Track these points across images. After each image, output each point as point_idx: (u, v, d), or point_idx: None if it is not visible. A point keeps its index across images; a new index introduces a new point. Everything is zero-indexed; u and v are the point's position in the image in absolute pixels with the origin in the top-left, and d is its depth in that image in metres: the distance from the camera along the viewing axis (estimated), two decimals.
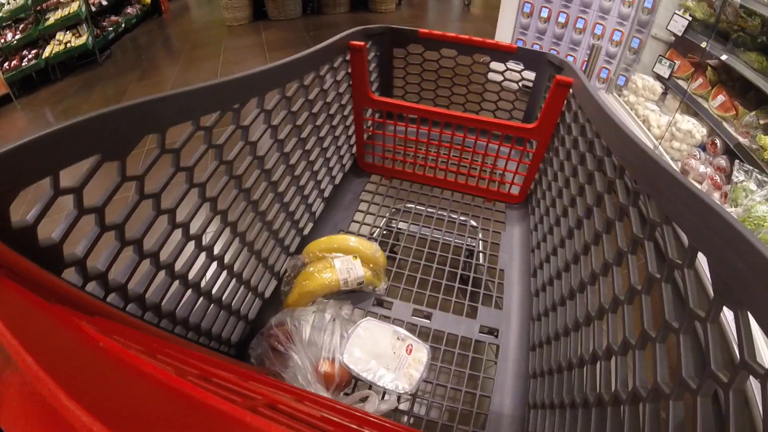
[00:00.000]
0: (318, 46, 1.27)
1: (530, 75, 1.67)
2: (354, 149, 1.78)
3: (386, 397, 1.06)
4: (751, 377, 0.48)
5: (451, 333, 1.23)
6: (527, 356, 1.21)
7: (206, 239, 0.99)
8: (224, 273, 1.08)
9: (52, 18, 4.92)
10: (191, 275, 0.97)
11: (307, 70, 1.26)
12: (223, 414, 0.25)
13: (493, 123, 1.48)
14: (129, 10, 6.41)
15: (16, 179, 0.54)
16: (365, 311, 1.27)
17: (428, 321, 1.26)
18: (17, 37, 4.73)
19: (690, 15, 2.87)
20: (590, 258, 0.96)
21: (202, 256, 1.00)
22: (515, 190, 1.66)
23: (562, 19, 3.62)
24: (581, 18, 3.52)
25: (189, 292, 0.97)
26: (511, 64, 1.67)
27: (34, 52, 4.77)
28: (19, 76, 4.59)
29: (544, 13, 3.68)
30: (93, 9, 5.37)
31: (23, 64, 4.63)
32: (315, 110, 1.34)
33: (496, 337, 1.25)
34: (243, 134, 1.04)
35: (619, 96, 3.47)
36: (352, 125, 1.69)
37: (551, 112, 1.37)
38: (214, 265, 1.04)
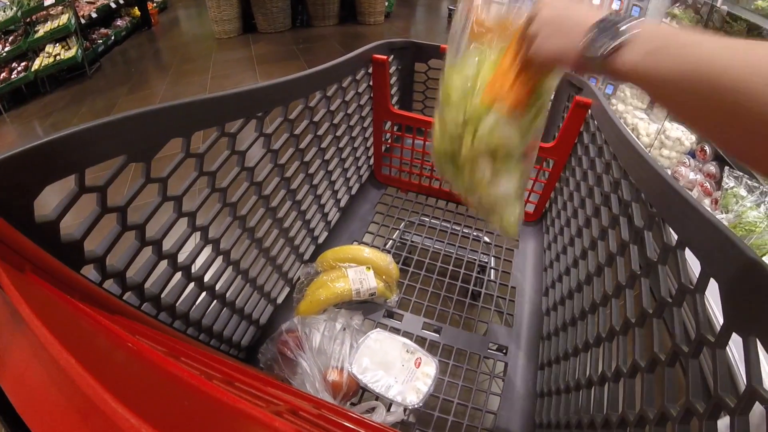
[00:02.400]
0: (342, 59, 1.29)
1: None
2: (371, 161, 1.80)
3: (393, 408, 1.06)
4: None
5: (460, 348, 1.23)
6: (535, 375, 1.21)
7: (224, 243, 1.01)
8: (239, 277, 1.09)
9: (42, 30, 4.87)
10: (207, 277, 0.98)
11: (331, 82, 1.28)
12: (256, 420, 0.26)
13: None
14: (119, 22, 6.41)
15: (43, 174, 0.56)
16: (375, 322, 1.28)
17: (438, 335, 1.26)
18: (6, 49, 4.70)
19: (677, 23, 2.87)
20: (603, 280, 0.96)
21: (219, 260, 1.01)
22: (530, 208, 1.66)
23: None
24: None
25: (204, 294, 0.99)
26: None
27: (23, 64, 4.73)
28: (8, 88, 4.55)
29: None
30: (82, 21, 5.34)
31: (12, 76, 4.60)
32: (336, 121, 1.36)
33: (505, 354, 1.25)
34: (265, 142, 1.06)
35: None
36: (371, 137, 1.70)
37: (569, 132, 1.38)
38: (230, 268, 1.05)
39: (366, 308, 1.30)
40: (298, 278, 1.33)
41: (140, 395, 0.25)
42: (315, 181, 1.33)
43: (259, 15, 6.30)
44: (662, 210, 0.77)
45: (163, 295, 0.86)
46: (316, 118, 1.25)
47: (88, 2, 5.81)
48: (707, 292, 0.64)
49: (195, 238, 0.93)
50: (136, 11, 6.88)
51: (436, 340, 1.25)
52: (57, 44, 5.02)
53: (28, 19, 4.91)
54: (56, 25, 4.92)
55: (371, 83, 1.53)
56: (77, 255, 0.65)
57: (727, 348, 0.57)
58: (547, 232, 1.55)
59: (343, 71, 1.33)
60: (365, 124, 1.61)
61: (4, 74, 4.60)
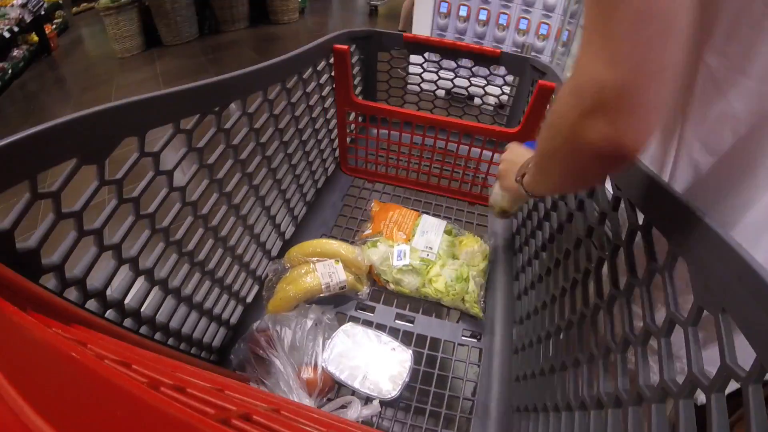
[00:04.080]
0: (301, 49, 1.26)
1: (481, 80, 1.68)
2: (337, 153, 1.78)
3: (369, 402, 1.06)
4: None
5: (434, 337, 1.23)
6: (510, 359, 1.21)
7: (187, 244, 0.98)
8: (205, 278, 1.06)
9: None
10: (172, 281, 0.95)
11: (290, 73, 1.26)
12: (192, 428, 0.25)
13: (476, 127, 1.48)
14: (15, 53, 5.67)
15: None
16: (348, 316, 1.27)
17: (411, 325, 1.26)
18: None
19: None
20: (571, 262, 0.97)
21: (183, 261, 0.99)
22: None
23: (483, 17, 3.43)
24: (503, 13, 3.36)
25: (169, 297, 0.96)
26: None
27: None
28: None
29: (463, 12, 3.47)
30: None
31: None
32: (297, 113, 1.33)
33: (479, 340, 1.25)
34: (224, 137, 1.03)
35: None
36: (336, 129, 1.68)
37: (534, 117, 1.38)
38: (195, 269, 1.03)
39: (337, 302, 1.29)
40: (267, 275, 1.31)
41: (69, 409, 0.24)
42: (279, 176, 1.31)
43: (162, 26, 5.76)
44: (628, 190, 0.77)
45: (126, 301, 0.83)
46: (276, 111, 1.22)
47: None
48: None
49: (156, 241, 0.91)
50: (34, 37, 6.08)
51: (409, 330, 1.24)
52: None
53: None
54: None
55: (333, 74, 1.51)
56: (35, 264, 0.62)
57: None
58: (516, 216, 1.56)
59: (302, 62, 1.30)
60: (329, 116, 1.59)
61: None
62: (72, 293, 0.70)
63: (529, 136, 1.42)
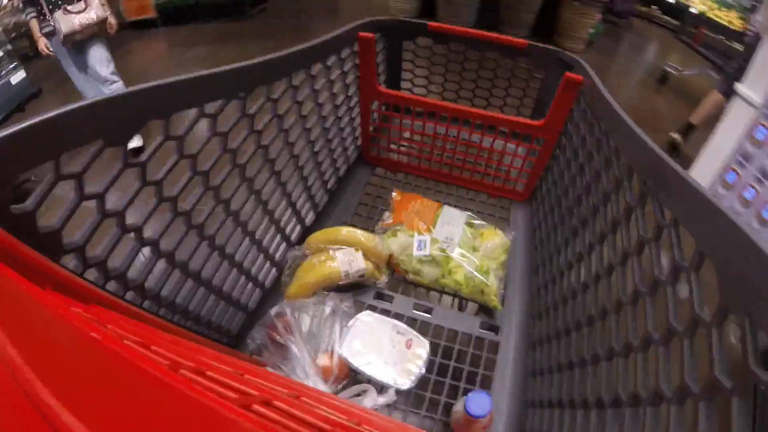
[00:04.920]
0: (326, 37, 1.26)
1: None
2: (359, 141, 1.78)
3: (384, 391, 1.06)
4: None
5: (451, 328, 1.22)
6: (527, 354, 1.20)
7: (208, 228, 0.99)
8: (225, 262, 1.07)
9: None
10: (192, 264, 0.96)
11: (315, 60, 1.25)
12: (213, 412, 0.25)
13: (500, 119, 1.47)
14: None
15: (17, 163, 0.54)
16: (365, 304, 1.27)
17: (429, 315, 1.26)
18: None
19: None
20: (594, 258, 0.95)
21: (204, 245, 0.99)
22: (520, 187, 1.65)
23: None
24: None
25: (189, 280, 0.96)
26: None
27: None
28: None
29: None
30: None
31: None
32: (321, 101, 1.33)
33: (497, 334, 1.24)
34: (248, 123, 1.03)
35: None
36: (359, 117, 1.68)
37: (560, 110, 1.36)
38: (215, 254, 1.03)
39: (356, 290, 1.29)
40: (286, 261, 1.31)
41: (85, 390, 0.24)
42: (301, 163, 1.31)
43: (442, 2, 5.51)
44: (655, 187, 0.75)
45: (147, 283, 0.84)
46: (300, 98, 1.22)
47: None
48: None
49: (178, 224, 0.91)
50: None
51: (427, 321, 1.24)
52: None
53: None
54: None
55: (357, 62, 1.50)
56: (56, 244, 0.63)
57: None
58: (538, 210, 1.54)
59: (327, 50, 1.30)
60: (352, 104, 1.58)
61: None
62: (92, 274, 0.71)
63: (555, 130, 1.40)
